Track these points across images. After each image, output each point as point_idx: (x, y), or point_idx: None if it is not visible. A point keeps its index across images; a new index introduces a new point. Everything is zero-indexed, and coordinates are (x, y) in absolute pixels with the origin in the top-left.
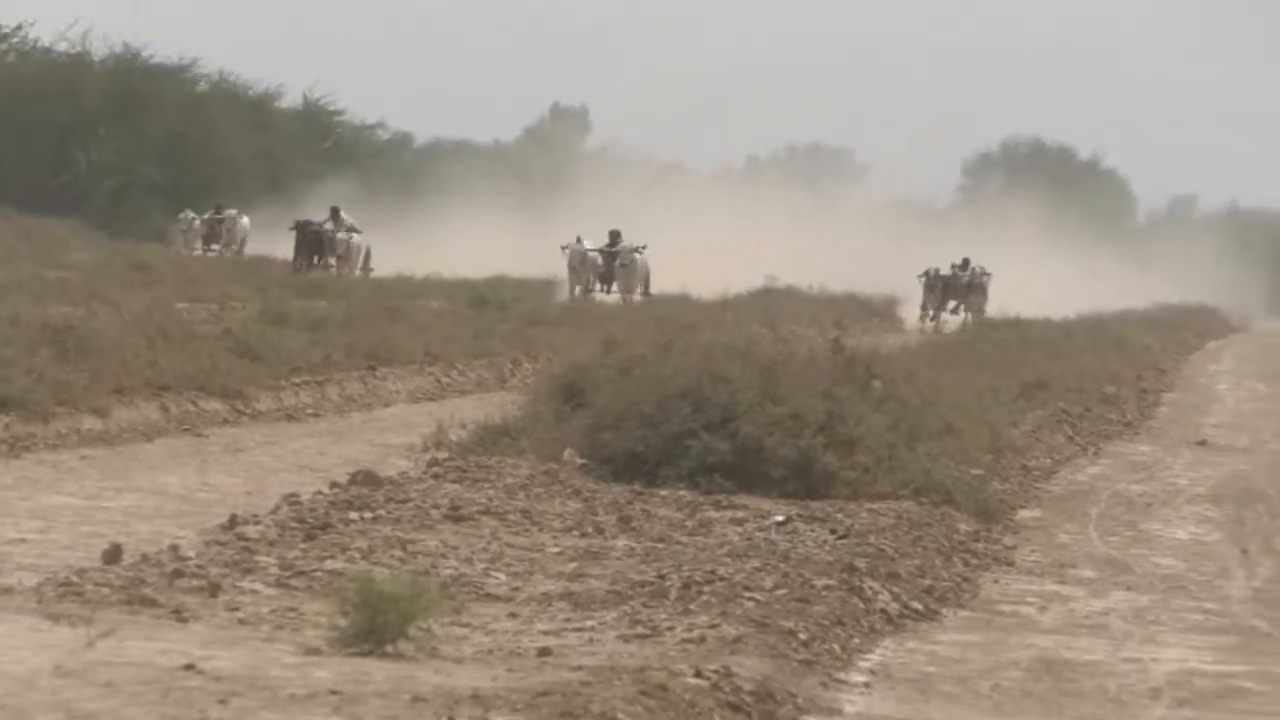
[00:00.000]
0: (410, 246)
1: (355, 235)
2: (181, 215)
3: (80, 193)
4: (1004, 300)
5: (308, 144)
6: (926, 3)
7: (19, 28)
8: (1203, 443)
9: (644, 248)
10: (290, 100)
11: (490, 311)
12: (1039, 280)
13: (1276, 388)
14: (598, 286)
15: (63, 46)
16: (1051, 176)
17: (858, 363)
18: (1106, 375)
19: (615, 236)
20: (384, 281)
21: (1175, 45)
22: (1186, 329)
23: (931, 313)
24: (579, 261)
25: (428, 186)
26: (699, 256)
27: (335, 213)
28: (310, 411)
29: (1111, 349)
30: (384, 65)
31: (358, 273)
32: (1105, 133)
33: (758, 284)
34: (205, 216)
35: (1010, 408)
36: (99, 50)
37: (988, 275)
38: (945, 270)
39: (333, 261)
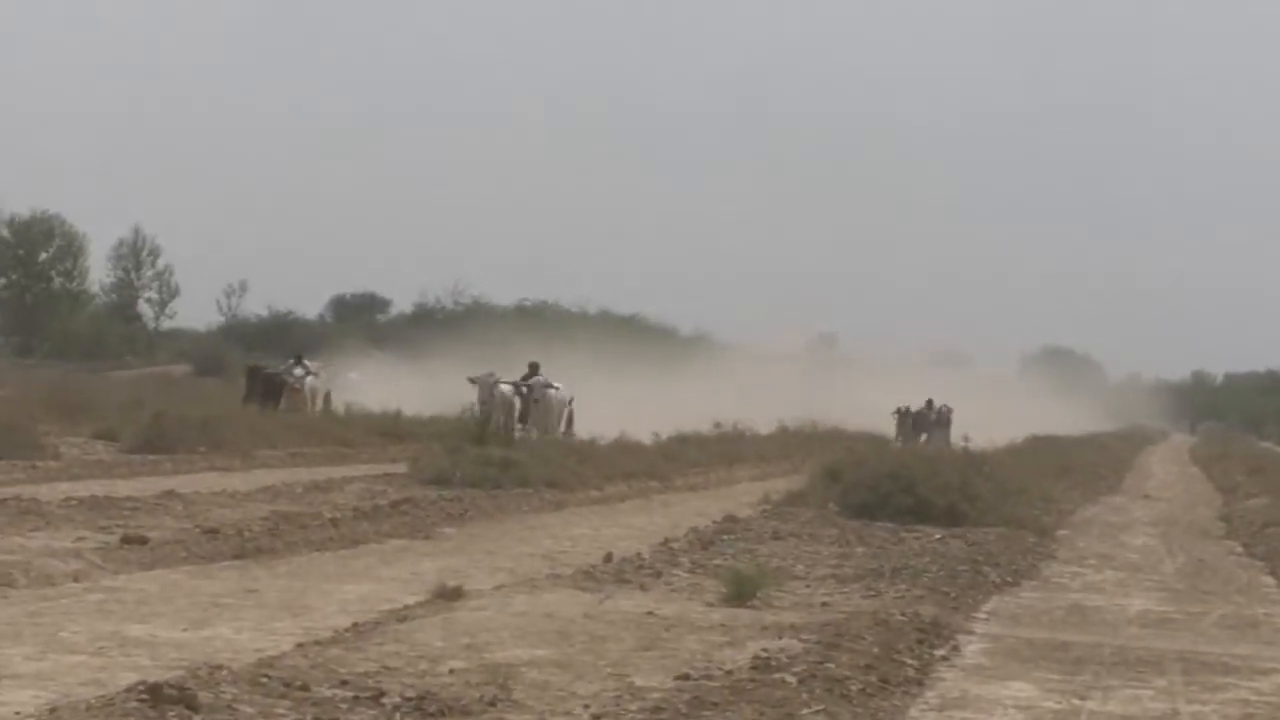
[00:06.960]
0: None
1: (310, 377)
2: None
3: None
4: (1042, 430)
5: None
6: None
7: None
8: (1147, 496)
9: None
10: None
11: (789, 435)
12: (1061, 420)
13: (1182, 467)
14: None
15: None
16: (1059, 367)
17: (976, 457)
18: (1097, 462)
19: (533, 369)
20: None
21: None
22: (1137, 439)
23: (903, 443)
24: (487, 394)
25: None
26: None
27: (298, 359)
28: (701, 486)
29: (1098, 449)
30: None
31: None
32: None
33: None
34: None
35: (1051, 479)
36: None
37: (950, 409)
38: (915, 407)
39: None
